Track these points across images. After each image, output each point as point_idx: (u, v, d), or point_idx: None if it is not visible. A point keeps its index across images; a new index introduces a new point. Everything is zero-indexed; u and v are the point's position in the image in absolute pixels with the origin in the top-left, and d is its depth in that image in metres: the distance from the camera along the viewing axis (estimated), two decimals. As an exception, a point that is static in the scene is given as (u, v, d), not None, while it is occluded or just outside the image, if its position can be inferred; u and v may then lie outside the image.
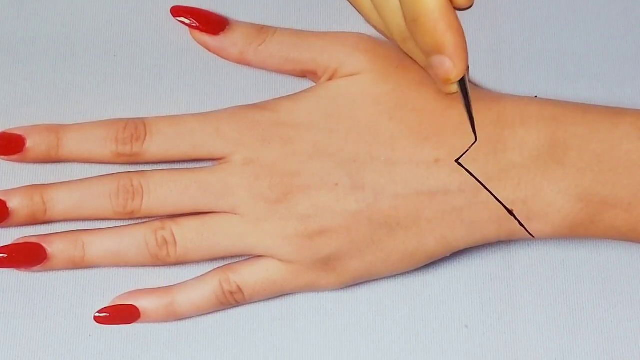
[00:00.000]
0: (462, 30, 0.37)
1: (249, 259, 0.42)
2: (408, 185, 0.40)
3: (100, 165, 0.43)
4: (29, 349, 0.42)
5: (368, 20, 0.43)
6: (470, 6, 0.43)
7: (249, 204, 0.41)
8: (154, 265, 0.42)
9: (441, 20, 0.36)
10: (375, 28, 0.43)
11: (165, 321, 0.43)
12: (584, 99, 0.44)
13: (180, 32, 0.44)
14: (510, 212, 0.40)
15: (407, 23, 0.38)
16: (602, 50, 0.45)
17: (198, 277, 0.43)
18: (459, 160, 0.40)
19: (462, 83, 0.39)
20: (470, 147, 0.40)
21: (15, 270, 0.43)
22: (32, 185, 0.42)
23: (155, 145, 0.42)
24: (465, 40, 0.37)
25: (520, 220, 0.40)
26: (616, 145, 0.39)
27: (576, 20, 0.46)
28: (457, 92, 0.39)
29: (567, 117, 0.40)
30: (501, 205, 0.40)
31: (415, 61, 0.43)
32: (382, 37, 0.44)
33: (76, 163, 0.43)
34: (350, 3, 0.44)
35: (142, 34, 0.45)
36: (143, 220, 0.42)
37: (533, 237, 0.40)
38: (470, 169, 0.40)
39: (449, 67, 0.38)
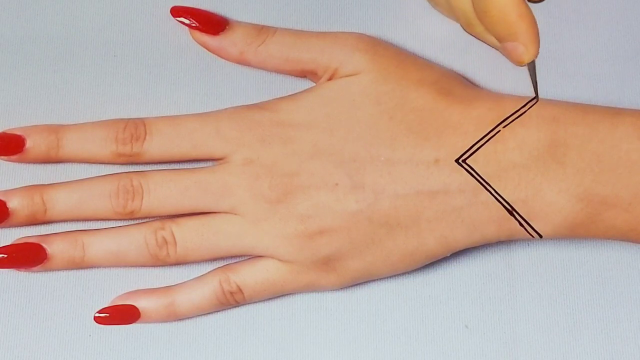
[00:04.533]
0: (533, 17, 0.41)
1: (249, 259, 0.42)
2: (408, 185, 0.40)
3: (100, 165, 0.43)
4: (29, 349, 0.42)
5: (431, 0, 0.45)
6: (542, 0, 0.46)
7: (249, 204, 0.41)
8: (153, 266, 0.42)
9: (512, 11, 0.40)
10: (437, 9, 0.45)
11: (165, 321, 0.43)
12: (584, 99, 0.44)
13: (180, 32, 0.44)
14: (511, 212, 0.40)
15: (477, 14, 0.41)
16: (602, 50, 0.45)
17: (198, 277, 0.43)
18: (459, 160, 0.40)
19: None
20: (470, 148, 0.40)
21: (15, 271, 0.43)
22: (32, 185, 0.42)
23: (155, 145, 0.42)
24: (537, 25, 0.41)
25: (520, 221, 0.40)
26: (616, 145, 0.39)
27: (576, 20, 0.46)
28: (525, 65, 0.42)
29: (567, 117, 0.40)
30: (501, 205, 0.40)
31: (416, 60, 0.43)
32: (382, 37, 0.45)
33: (76, 163, 0.43)
34: None
35: (142, 34, 0.45)
36: (143, 221, 0.42)
37: (533, 237, 0.40)
38: (470, 169, 0.40)
39: (522, 52, 0.41)
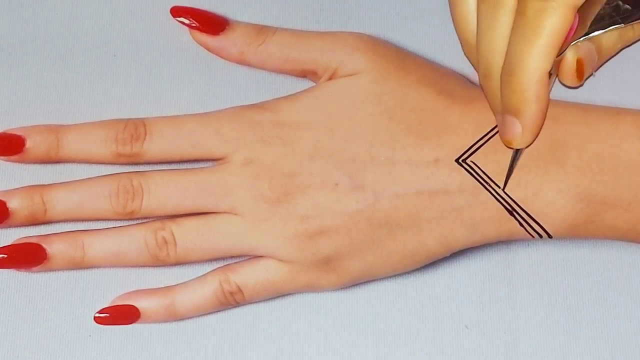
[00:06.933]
0: (546, 107, 0.38)
1: (249, 259, 0.42)
2: (408, 186, 0.40)
3: (100, 165, 0.43)
4: (29, 349, 0.42)
5: (459, 32, 0.42)
6: (579, 86, 0.43)
7: (249, 204, 0.41)
8: (153, 266, 0.42)
9: (534, 88, 0.37)
10: (462, 46, 0.42)
11: (165, 321, 0.43)
12: (584, 99, 0.43)
13: (180, 32, 0.44)
14: (511, 212, 0.40)
15: (502, 70, 0.38)
16: (602, 50, 0.45)
17: (198, 277, 0.43)
18: (459, 160, 0.40)
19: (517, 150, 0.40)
20: (470, 147, 0.40)
21: (15, 271, 0.43)
22: (32, 185, 0.42)
23: (155, 145, 0.42)
24: (544, 118, 0.39)
25: (520, 221, 0.40)
26: (616, 145, 0.39)
27: (576, 20, 0.46)
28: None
29: (567, 116, 0.40)
30: (501, 205, 0.40)
31: (416, 60, 0.43)
32: (382, 37, 0.44)
33: (76, 163, 0.43)
34: (451, 9, 0.42)
35: (142, 34, 0.45)
36: (143, 221, 0.42)
37: (533, 237, 0.40)
38: (470, 169, 0.40)
39: (517, 134, 0.39)
